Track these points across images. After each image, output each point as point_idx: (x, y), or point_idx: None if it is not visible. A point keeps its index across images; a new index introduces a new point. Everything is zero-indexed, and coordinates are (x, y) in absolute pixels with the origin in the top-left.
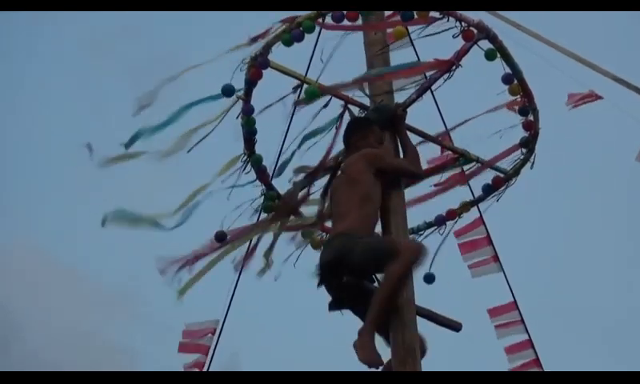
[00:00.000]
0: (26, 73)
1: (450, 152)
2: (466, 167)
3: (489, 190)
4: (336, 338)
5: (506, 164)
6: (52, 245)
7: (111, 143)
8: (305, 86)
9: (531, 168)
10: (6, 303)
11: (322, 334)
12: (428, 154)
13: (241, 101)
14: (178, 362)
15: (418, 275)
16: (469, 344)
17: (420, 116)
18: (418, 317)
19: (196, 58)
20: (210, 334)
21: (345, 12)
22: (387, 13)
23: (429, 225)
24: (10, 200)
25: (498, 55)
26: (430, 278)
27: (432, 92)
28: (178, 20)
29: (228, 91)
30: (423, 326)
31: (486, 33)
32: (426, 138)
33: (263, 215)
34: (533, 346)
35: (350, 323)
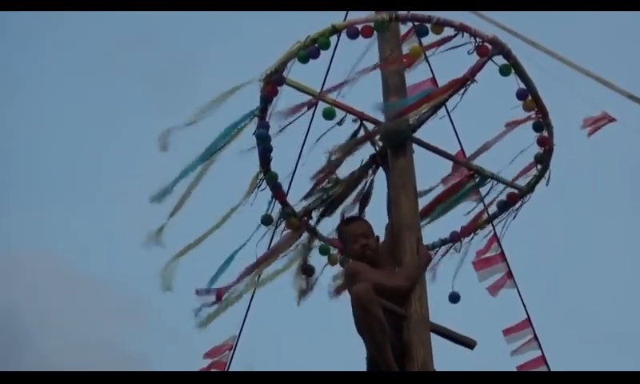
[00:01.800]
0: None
1: (464, 169)
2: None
3: (504, 206)
4: (349, 355)
5: (520, 180)
6: (67, 253)
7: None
8: (320, 103)
9: (547, 184)
10: (20, 311)
11: (337, 349)
12: (442, 171)
13: (256, 118)
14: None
15: (432, 291)
16: (482, 361)
17: (433, 132)
18: (432, 334)
19: (210, 63)
20: (227, 351)
21: (359, 27)
22: (402, 31)
23: (443, 242)
24: (25, 208)
25: (512, 71)
26: (455, 298)
27: (447, 109)
28: (191, 23)
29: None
30: (437, 342)
31: (500, 48)
32: (440, 154)
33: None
34: (546, 363)
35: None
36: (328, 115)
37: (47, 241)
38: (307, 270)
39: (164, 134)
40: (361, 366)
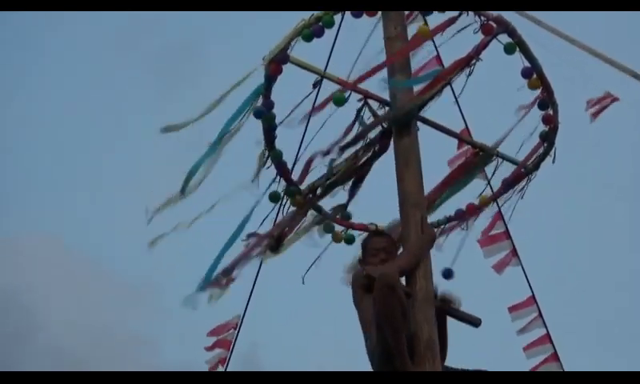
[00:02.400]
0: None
1: (469, 148)
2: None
3: (509, 184)
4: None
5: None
6: (73, 236)
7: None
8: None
9: (553, 162)
10: (27, 294)
11: (339, 328)
12: (447, 150)
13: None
14: (200, 355)
15: (437, 270)
16: (487, 339)
17: (437, 111)
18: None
19: (213, 48)
20: (232, 330)
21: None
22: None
23: (448, 219)
24: (32, 191)
25: (517, 49)
26: (448, 274)
27: (452, 87)
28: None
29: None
30: None
31: (505, 26)
32: (445, 131)
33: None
34: (551, 341)
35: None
36: (338, 102)
37: (50, 224)
38: (274, 247)
39: (169, 127)
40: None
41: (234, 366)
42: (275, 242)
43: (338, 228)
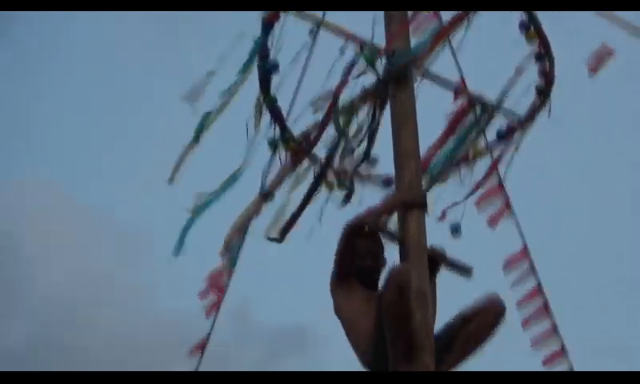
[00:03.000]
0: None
1: (464, 101)
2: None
3: (503, 135)
4: None
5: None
6: (68, 182)
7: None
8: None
9: (548, 116)
10: (21, 241)
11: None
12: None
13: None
14: (195, 302)
15: (432, 219)
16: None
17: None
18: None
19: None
20: (225, 276)
21: None
22: None
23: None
24: (27, 135)
25: None
26: (456, 229)
27: (449, 41)
28: None
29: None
30: None
31: None
32: (441, 82)
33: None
34: (542, 291)
35: None
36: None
37: (50, 170)
38: (267, 195)
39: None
40: None
41: (226, 316)
42: (268, 193)
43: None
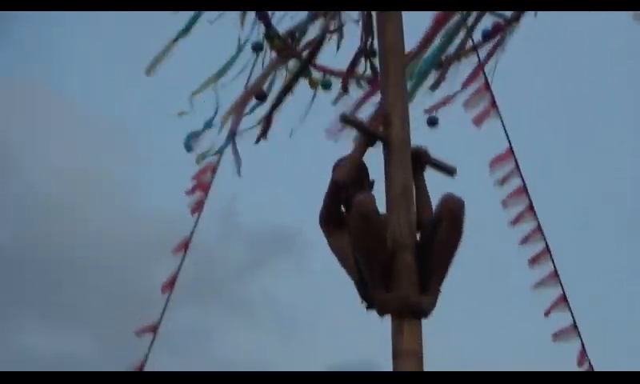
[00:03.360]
0: None
1: None
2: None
3: (488, 35)
4: None
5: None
6: (55, 79)
7: None
8: None
9: (535, 16)
10: (6, 136)
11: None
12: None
13: None
14: (181, 199)
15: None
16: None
17: None
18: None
19: None
20: (209, 172)
21: None
22: None
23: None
24: (16, 34)
25: None
26: (433, 121)
27: None
28: None
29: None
30: None
31: None
32: None
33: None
34: (527, 191)
35: None
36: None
37: (38, 69)
38: (260, 95)
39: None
40: None
41: (212, 217)
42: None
43: (317, 75)
